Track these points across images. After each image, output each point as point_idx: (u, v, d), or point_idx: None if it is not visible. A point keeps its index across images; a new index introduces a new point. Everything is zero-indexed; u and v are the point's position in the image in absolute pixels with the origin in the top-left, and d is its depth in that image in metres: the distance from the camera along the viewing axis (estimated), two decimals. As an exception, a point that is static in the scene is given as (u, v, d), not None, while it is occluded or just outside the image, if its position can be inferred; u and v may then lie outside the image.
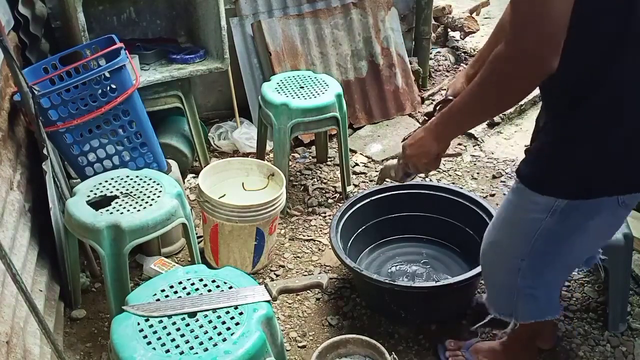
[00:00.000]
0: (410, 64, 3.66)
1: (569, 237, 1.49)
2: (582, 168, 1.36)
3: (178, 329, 1.43)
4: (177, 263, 2.40)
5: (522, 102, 3.46)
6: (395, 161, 1.70)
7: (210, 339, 1.40)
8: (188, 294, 1.53)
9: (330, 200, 2.88)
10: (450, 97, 1.76)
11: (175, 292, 1.54)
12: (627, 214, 1.50)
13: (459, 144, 3.29)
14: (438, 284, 2.00)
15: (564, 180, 1.39)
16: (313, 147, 3.25)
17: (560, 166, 1.39)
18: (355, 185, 2.97)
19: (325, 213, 2.78)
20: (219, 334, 1.41)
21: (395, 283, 1.99)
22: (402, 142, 1.61)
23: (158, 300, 1.51)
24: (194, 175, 3.01)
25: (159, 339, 1.40)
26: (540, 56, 1.17)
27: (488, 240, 1.66)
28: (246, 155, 3.12)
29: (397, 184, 1.74)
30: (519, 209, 1.51)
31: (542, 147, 1.42)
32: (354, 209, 2.36)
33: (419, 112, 3.57)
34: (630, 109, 1.29)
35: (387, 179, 1.78)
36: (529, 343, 1.90)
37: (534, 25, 1.15)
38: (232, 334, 1.40)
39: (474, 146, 3.29)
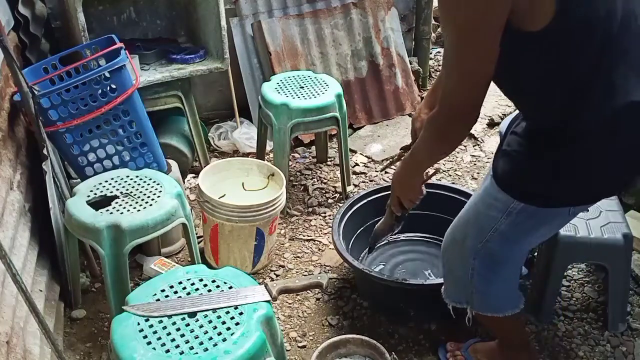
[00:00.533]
0: (410, 64, 3.66)
1: (519, 240, 1.57)
2: (548, 180, 1.43)
3: (178, 329, 1.43)
4: (177, 263, 2.41)
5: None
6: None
7: (210, 339, 1.40)
8: (188, 294, 1.54)
9: (330, 200, 2.88)
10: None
11: (175, 292, 1.54)
12: (572, 219, 1.61)
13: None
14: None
15: (527, 185, 1.47)
16: (313, 147, 3.25)
17: (529, 173, 1.46)
18: (355, 185, 2.97)
19: (325, 213, 2.78)
20: (219, 334, 1.41)
21: (407, 282, 1.99)
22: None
23: (158, 300, 1.51)
24: (194, 175, 3.01)
25: (159, 339, 1.40)
26: (463, 121, 1.37)
27: (449, 234, 1.70)
28: (246, 155, 3.12)
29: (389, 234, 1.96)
30: (481, 203, 1.58)
31: (518, 151, 1.48)
32: (354, 209, 2.36)
33: (419, 112, 3.57)
34: (595, 136, 1.36)
35: (380, 237, 1.97)
36: (527, 342, 1.91)
37: (457, 106, 1.35)
38: (232, 334, 1.40)
39: (474, 146, 3.30)
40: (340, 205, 2.60)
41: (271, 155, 2.84)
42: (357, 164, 3.12)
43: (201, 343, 1.39)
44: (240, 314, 1.47)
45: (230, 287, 1.55)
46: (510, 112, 3.46)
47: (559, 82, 1.33)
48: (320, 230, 2.67)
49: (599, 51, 1.28)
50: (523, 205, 1.47)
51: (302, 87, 2.74)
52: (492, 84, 1.35)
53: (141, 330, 1.42)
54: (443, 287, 1.80)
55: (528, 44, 1.27)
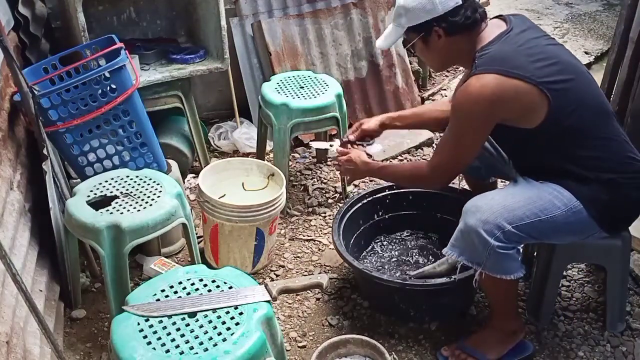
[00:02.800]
0: (410, 64, 3.66)
1: (562, 233, 1.82)
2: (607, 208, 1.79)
3: (178, 329, 1.43)
4: (177, 263, 2.41)
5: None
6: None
7: (210, 339, 1.40)
8: (188, 294, 1.54)
9: (330, 200, 2.88)
10: (352, 139, 2.30)
11: (175, 292, 1.54)
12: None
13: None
14: (450, 279, 2.00)
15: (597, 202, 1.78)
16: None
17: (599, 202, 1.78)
18: (355, 185, 2.97)
19: (325, 213, 2.78)
20: (219, 334, 1.41)
21: (407, 282, 1.99)
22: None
23: (158, 300, 1.51)
24: (194, 175, 3.01)
25: (159, 339, 1.40)
26: (439, 183, 1.99)
27: (486, 201, 1.79)
28: (246, 155, 3.12)
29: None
30: (547, 192, 1.78)
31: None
32: (354, 209, 2.36)
33: (419, 112, 3.57)
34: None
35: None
36: (518, 311, 2.06)
37: (445, 174, 1.90)
38: (232, 334, 1.41)
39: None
40: (340, 205, 2.60)
41: (271, 155, 2.84)
42: (357, 164, 3.12)
43: (201, 343, 1.39)
44: (240, 314, 1.47)
45: (230, 287, 1.55)
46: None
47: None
48: (320, 230, 2.67)
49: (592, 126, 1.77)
50: (582, 207, 1.75)
51: (302, 87, 2.74)
52: None
53: (141, 330, 1.42)
54: (453, 246, 1.84)
55: (527, 134, 1.75)
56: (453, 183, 2.16)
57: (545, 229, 1.77)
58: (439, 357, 2.01)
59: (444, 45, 1.85)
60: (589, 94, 1.80)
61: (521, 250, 1.84)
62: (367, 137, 2.32)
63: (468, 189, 2.35)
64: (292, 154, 3.22)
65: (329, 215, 2.76)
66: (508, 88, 1.69)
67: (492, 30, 1.83)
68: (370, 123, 2.27)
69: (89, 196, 2.00)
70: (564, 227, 1.79)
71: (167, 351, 1.36)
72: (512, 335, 1.97)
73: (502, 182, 2.45)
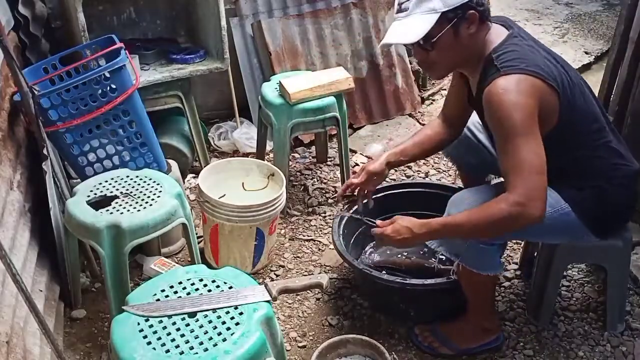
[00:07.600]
0: (410, 64, 3.66)
1: (546, 234, 1.83)
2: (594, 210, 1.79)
3: (178, 329, 1.43)
4: (177, 263, 2.41)
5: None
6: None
7: (210, 339, 1.40)
8: (188, 294, 1.54)
9: (330, 200, 2.88)
10: (357, 182, 2.11)
11: (175, 292, 1.54)
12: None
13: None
14: (451, 279, 2.00)
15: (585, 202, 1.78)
16: (313, 147, 3.25)
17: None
18: (355, 185, 2.97)
19: (325, 213, 2.78)
20: (219, 334, 1.41)
21: (408, 282, 2.00)
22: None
23: (158, 300, 1.51)
24: (194, 175, 3.01)
25: (159, 339, 1.40)
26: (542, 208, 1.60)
27: (468, 196, 1.81)
28: (246, 155, 3.12)
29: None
30: None
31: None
32: (354, 208, 2.35)
33: (419, 112, 3.57)
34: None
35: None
36: (494, 308, 2.07)
37: (537, 193, 1.59)
38: (232, 334, 1.41)
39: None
40: (341, 205, 2.60)
41: (271, 155, 2.84)
42: (357, 164, 3.12)
43: (201, 343, 1.39)
44: (240, 314, 1.47)
45: (230, 287, 1.55)
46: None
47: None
48: (320, 230, 2.67)
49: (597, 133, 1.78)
50: (570, 210, 1.74)
51: (302, 87, 2.73)
52: None
53: (141, 330, 1.42)
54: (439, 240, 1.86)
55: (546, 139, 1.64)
56: (453, 183, 2.15)
57: (529, 229, 1.72)
58: (411, 334, 2.06)
59: (473, 36, 1.66)
60: (588, 98, 1.79)
61: (503, 249, 1.86)
62: (374, 176, 2.11)
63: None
64: (292, 154, 3.22)
65: (329, 215, 2.76)
66: (538, 87, 1.61)
67: (497, 32, 1.72)
68: (375, 164, 2.08)
69: (89, 196, 2.00)
70: (549, 228, 1.75)
71: (167, 351, 1.36)
72: (486, 333, 2.00)
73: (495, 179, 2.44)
